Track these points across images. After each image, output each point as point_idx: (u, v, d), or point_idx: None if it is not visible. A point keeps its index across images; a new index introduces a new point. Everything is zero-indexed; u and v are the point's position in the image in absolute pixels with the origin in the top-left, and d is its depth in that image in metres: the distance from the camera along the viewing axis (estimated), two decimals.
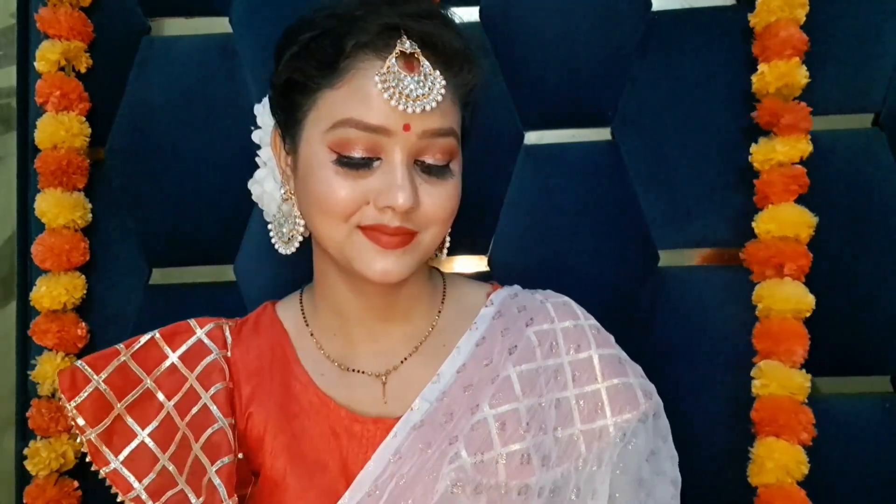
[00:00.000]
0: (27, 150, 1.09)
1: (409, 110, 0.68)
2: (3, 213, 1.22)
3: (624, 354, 0.83)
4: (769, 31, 1.00)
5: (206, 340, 0.81)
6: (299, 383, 0.79)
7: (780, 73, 0.99)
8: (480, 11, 1.09)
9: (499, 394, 0.75)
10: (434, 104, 0.69)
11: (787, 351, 0.97)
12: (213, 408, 0.75)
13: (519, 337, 0.79)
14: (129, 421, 0.76)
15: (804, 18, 1.00)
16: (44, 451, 1.00)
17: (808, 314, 0.98)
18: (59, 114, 1.05)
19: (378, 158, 0.70)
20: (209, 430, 0.74)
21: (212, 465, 0.72)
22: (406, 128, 0.69)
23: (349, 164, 0.70)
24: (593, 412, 0.77)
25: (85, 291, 1.06)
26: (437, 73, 0.70)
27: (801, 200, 0.99)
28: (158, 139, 1.10)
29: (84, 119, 1.06)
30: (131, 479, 0.73)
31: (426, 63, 0.69)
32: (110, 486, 0.75)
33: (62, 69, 1.06)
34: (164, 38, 1.13)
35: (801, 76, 0.99)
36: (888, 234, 1.03)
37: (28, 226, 1.09)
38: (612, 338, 0.83)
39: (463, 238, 1.09)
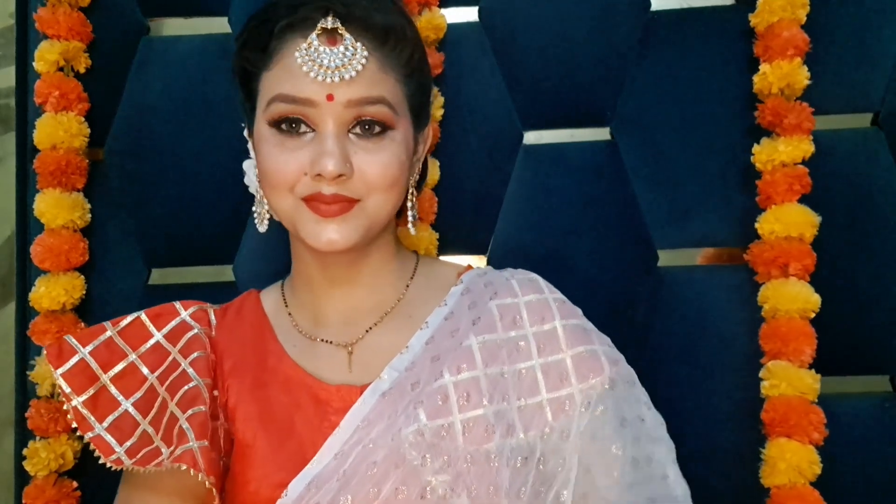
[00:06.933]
0: (26, 150, 1.09)
1: (329, 80, 0.72)
2: (3, 213, 1.22)
3: (590, 325, 0.83)
4: (771, 31, 1.00)
5: (190, 321, 0.85)
6: (274, 356, 0.83)
7: (782, 74, 0.99)
8: (479, 11, 1.08)
9: (460, 362, 0.77)
10: (354, 73, 0.72)
11: (796, 351, 0.97)
12: (190, 370, 0.79)
13: (483, 310, 0.81)
14: (114, 391, 0.79)
15: (805, 18, 1.00)
16: (43, 451, 1.00)
17: (814, 314, 0.98)
18: (58, 114, 1.05)
19: (312, 130, 0.75)
20: (184, 388, 0.77)
21: (183, 413, 0.75)
22: (329, 98, 0.73)
23: (284, 134, 0.75)
24: (558, 381, 0.78)
25: (84, 292, 1.06)
26: (360, 45, 0.73)
27: (800, 200, 0.99)
28: (157, 139, 1.10)
29: (83, 119, 1.07)
30: (113, 443, 0.75)
31: (349, 37, 0.73)
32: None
33: (61, 69, 1.06)
34: (163, 38, 1.13)
35: (803, 77, 0.99)
36: (888, 234, 1.03)
37: (27, 226, 1.09)
38: (578, 310, 0.84)
39: (462, 238, 1.08)
